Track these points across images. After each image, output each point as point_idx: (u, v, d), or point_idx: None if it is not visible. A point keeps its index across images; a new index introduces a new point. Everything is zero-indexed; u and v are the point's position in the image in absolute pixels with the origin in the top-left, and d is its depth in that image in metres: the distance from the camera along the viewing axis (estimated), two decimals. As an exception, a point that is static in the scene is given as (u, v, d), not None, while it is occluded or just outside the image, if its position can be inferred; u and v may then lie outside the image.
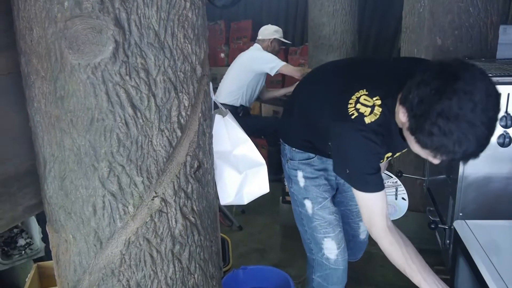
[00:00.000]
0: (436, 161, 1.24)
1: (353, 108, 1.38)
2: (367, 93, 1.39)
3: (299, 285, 2.46)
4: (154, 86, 0.96)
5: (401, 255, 1.46)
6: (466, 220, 1.54)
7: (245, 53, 3.80)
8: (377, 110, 1.36)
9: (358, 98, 1.39)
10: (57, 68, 0.92)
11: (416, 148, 1.26)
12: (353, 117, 1.37)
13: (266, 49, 3.77)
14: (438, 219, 2.01)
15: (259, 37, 3.85)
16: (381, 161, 1.49)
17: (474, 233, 1.45)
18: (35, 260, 2.35)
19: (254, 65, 3.60)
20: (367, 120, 1.36)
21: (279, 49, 3.99)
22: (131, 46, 0.92)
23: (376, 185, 1.43)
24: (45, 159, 1.02)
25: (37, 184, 1.11)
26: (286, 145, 1.80)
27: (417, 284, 1.44)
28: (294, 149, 1.77)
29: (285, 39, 4.00)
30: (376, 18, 5.74)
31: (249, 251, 2.92)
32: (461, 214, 1.74)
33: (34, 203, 1.14)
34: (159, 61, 0.96)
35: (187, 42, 1.01)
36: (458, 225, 1.55)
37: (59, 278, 1.14)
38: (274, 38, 3.82)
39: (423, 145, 1.20)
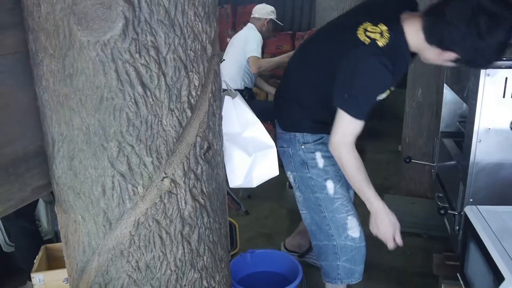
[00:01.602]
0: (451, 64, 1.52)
1: (364, 36, 1.51)
2: (370, 23, 1.53)
3: (306, 270, 2.46)
4: (164, 65, 0.94)
5: (355, 167, 1.61)
6: (478, 206, 1.52)
7: (240, 33, 3.75)
8: (386, 35, 1.50)
9: (365, 29, 1.52)
10: (66, 45, 0.90)
11: (432, 56, 1.52)
12: (366, 43, 1.50)
13: (260, 28, 3.71)
14: (448, 205, 1.99)
15: (255, 15, 3.77)
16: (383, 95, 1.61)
17: (486, 218, 1.43)
18: (43, 242, 2.36)
19: (245, 46, 3.57)
20: (380, 43, 1.49)
21: (272, 31, 3.94)
22: (141, 23, 0.90)
23: (364, 114, 1.55)
24: (54, 138, 1.01)
25: (45, 165, 1.10)
26: (297, 133, 1.80)
27: (367, 196, 1.64)
28: (305, 133, 1.78)
29: (292, 23, 3.95)
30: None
31: (255, 236, 2.92)
32: (471, 200, 1.72)
33: (43, 184, 1.13)
34: (169, 39, 0.94)
35: (197, 20, 0.99)
36: (469, 210, 1.53)
37: (68, 258, 1.14)
38: (270, 19, 3.76)
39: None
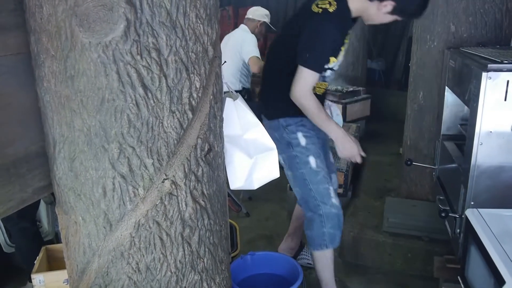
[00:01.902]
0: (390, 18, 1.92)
1: (317, 8, 1.89)
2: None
3: (307, 272, 2.46)
4: (166, 67, 0.94)
5: (316, 108, 1.94)
6: (479, 209, 1.52)
7: (234, 35, 3.76)
8: (333, 3, 1.89)
9: (317, 4, 1.91)
10: (68, 46, 0.90)
11: (373, 11, 1.90)
12: (320, 12, 1.88)
13: (253, 30, 3.73)
14: (449, 208, 1.99)
15: (249, 16, 3.80)
16: (336, 58, 1.99)
17: (487, 221, 1.43)
18: (44, 243, 2.36)
19: (242, 48, 3.58)
20: (330, 9, 1.88)
21: (265, 34, 3.97)
22: (143, 24, 0.90)
23: (320, 67, 1.93)
24: (55, 139, 1.01)
25: (46, 166, 1.10)
26: (280, 119, 2.10)
27: (329, 128, 1.99)
28: (287, 118, 2.08)
29: (295, 26, 3.96)
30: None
31: (256, 238, 2.92)
32: (472, 203, 1.71)
33: (44, 185, 1.13)
34: (171, 41, 0.94)
35: (199, 22, 0.99)
36: (471, 213, 1.53)
37: (68, 260, 1.14)
38: (264, 22, 3.78)
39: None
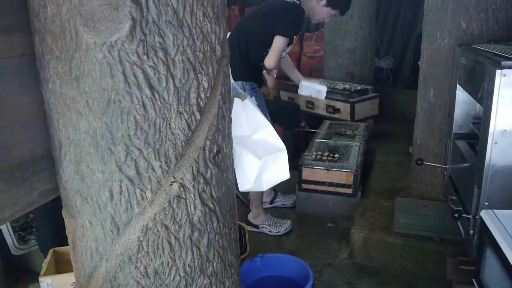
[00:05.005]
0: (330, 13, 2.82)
1: (290, 1, 2.72)
2: None
3: (316, 273, 2.43)
4: (173, 67, 0.92)
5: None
6: (494, 210, 1.48)
7: None
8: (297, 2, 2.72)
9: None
10: (72, 47, 0.88)
11: (315, 5, 2.77)
12: (291, 1, 2.71)
13: None
14: (461, 208, 1.95)
15: None
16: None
17: (503, 223, 1.39)
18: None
19: None
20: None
21: None
22: (149, 24, 0.88)
23: (292, 37, 2.70)
24: (61, 142, 0.99)
25: (52, 169, 1.08)
26: (242, 81, 2.76)
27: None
28: (247, 82, 2.78)
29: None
30: (394, 2, 5.63)
31: (265, 239, 2.90)
32: (486, 203, 1.67)
33: (50, 188, 1.11)
34: (178, 40, 0.92)
35: (206, 20, 0.97)
36: (486, 215, 1.49)
37: (75, 264, 1.12)
38: None
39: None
